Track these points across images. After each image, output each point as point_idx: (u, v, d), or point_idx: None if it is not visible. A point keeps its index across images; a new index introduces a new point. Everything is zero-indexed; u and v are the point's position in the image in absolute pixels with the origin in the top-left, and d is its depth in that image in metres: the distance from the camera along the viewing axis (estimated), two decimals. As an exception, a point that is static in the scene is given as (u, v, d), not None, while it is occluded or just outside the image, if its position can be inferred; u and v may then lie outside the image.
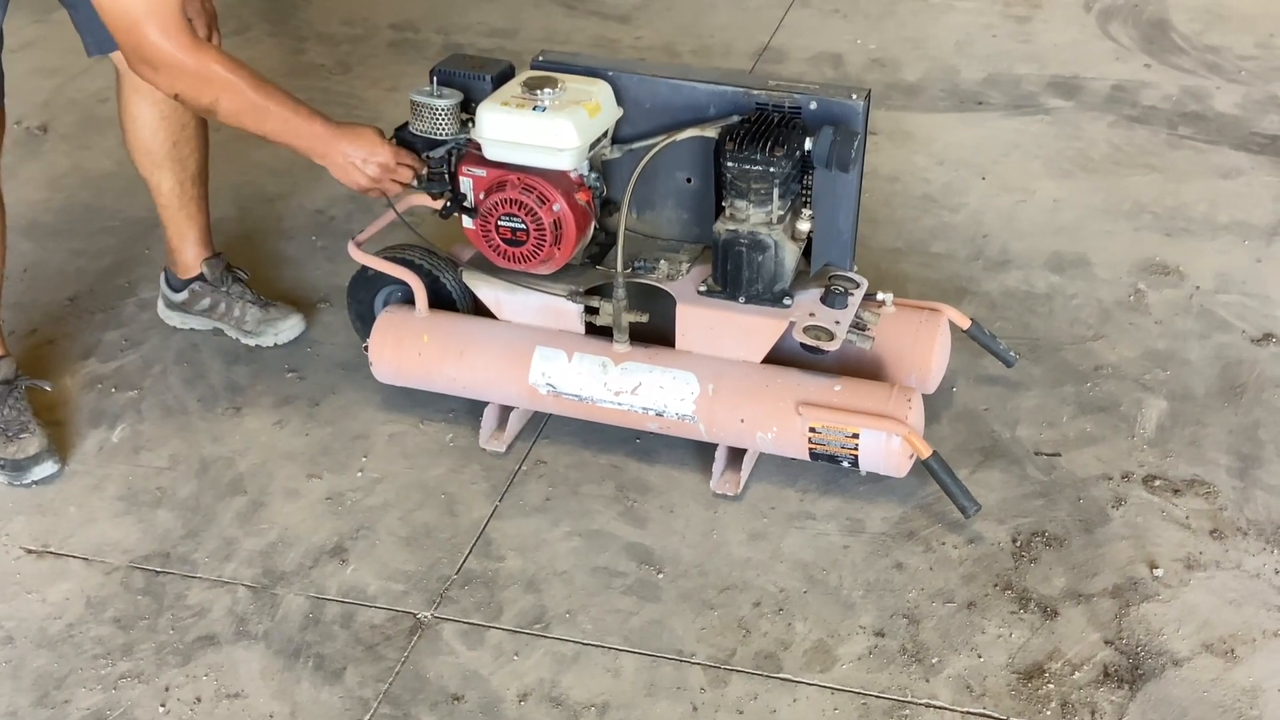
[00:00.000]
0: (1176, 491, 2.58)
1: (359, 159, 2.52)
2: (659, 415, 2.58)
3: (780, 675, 2.25)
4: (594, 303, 2.60)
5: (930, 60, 4.25)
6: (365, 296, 2.88)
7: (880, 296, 2.69)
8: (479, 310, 2.76)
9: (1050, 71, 4.16)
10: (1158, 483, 2.60)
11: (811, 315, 2.53)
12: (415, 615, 2.38)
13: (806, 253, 2.64)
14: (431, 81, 2.64)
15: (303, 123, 2.48)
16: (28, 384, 2.72)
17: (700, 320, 2.57)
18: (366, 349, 2.76)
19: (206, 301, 3.01)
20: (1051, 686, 2.21)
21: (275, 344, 3.02)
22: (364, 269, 2.82)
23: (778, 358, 2.59)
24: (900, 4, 4.63)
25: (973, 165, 3.68)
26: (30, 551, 2.53)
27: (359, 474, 2.68)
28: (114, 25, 2.31)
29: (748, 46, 4.36)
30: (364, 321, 2.89)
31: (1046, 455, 2.67)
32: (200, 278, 3.02)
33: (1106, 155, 3.72)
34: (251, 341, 3.03)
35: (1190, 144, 3.76)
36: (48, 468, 2.67)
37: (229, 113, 2.42)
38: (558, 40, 4.38)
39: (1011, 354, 2.81)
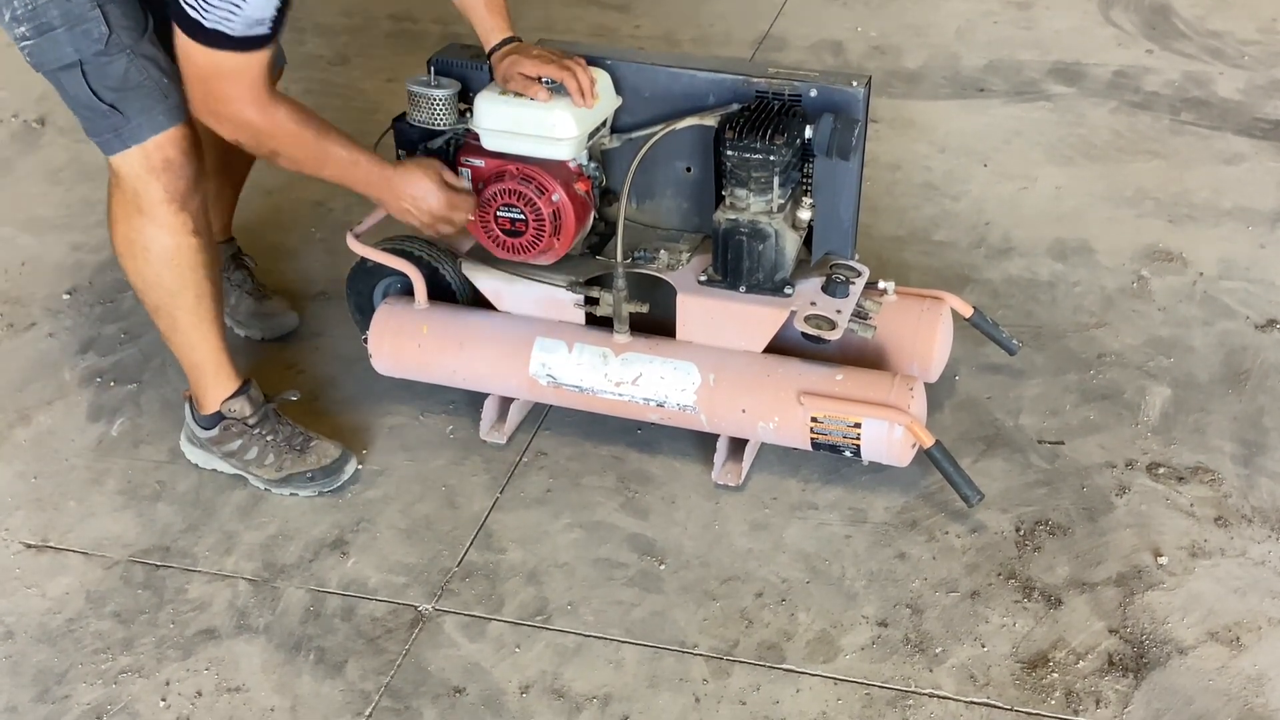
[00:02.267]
0: (1181, 479, 2.57)
1: (411, 202, 2.49)
2: (660, 406, 2.56)
3: (783, 666, 2.24)
4: (594, 293, 2.59)
5: (931, 47, 4.23)
6: (364, 288, 2.87)
7: (882, 285, 2.67)
8: (478, 301, 2.75)
9: (1052, 58, 4.14)
10: (1162, 470, 2.59)
11: (813, 304, 2.51)
12: (416, 608, 2.37)
13: (807, 241, 2.62)
14: (429, 71, 2.62)
15: (360, 169, 2.44)
16: (278, 400, 2.66)
17: (701, 310, 2.56)
18: (366, 341, 2.75)
19: None
20: (1056, 676, 2.20)
21: (263, 338, 3.01)
22: (363, 260, 2.81)
23: (779, 347, 2.57)
24: (901, -9, 4.61)
25: (974, 153, 3.67)
26: (30, 546, 2.52)
27: (359, 466, 2.67)
28: (191, 75, 2.27)
29: (747, 35, 4.34)
30: (363, 313, 2.88)
31: (1050, 443, 2.66)
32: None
33: (1109, 142, 3.70)
34: (242, 333, 3.02)
35: (1193, 130, 3.74)
36: (354, 464, 2.63)
37: (288, 161, 2.40)
38: (557, 30, 4.36)
39: (1014, 342, 2.80)
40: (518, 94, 2.50)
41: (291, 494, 2.60)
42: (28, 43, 2.30)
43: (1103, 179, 3.53)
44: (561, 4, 4.57)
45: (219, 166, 2.88)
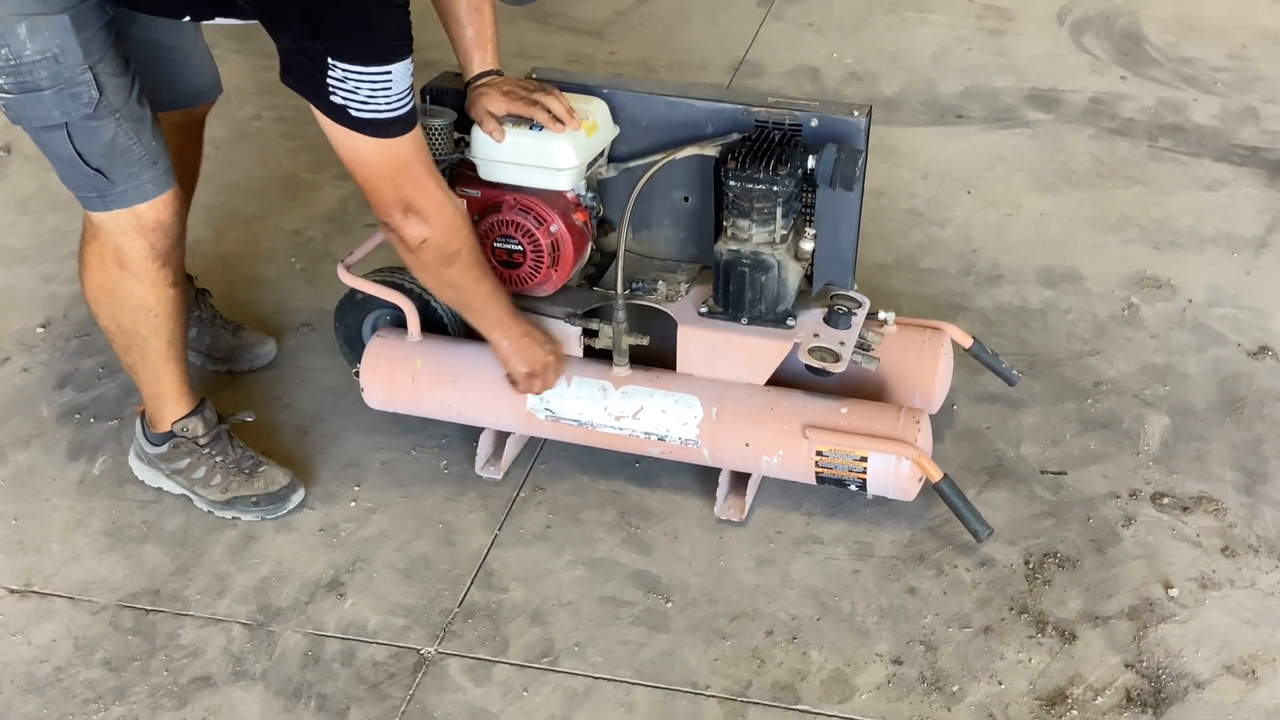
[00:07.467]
0: (1185, 509, 2.55)
1: (529, 364, 2.47)
2: (661, 440, 2.52)
3: (799, 707, 2.19)
4: (593, 325, 2.54)
5: (907, 73, 4.23)
6: (353, 320, 2.80)
7: (881, 315, 2.64)
8: (469, 333, 2.70)
9: (1028, 84, 4.15)
10: (1166, 500, 2.57)
11: (816, 336, 2.48)
12: (418, 651, 2.31)
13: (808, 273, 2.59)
14: (423, 100, 2.57)
15: (498, 304, 2.44)
16: (232, 421, 2.61)
17: (702, 342, 2.52)
18: (357, 374, 2.68)
19: None
20: (1075, 713, 2.17)
21: (250, 369, 2.94)
22: (352, 292, 2.74)
23: (775, 378, 2.54)
24: (874, 17, 4.61)
25: (957, 179, 3.66)
26: (13, 591, 2.43)
27: (352, 504, 2.61)
28: (373, 177, 2.15)
29: (724, 61, 4.32)
30: (352, 346, 2.81)
31: (1052, 474, 2.64)
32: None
33: (1090, 168, 3.70)
34: (224, 368, 2.94)
35: (1172, 156, 3.75)
36: (301, 493, 2.59)
37: (465, 265, 2.31)
38: (531, 56, 4.31)
39: (1014, 372, 2.78)
40: (515, 123, 2.46)
41: (234, 517, 2.56)
42: (6, 96, 2.15)
43: (1086, 205, 3.53)
44: (536, 30, 4.53)
45: None
